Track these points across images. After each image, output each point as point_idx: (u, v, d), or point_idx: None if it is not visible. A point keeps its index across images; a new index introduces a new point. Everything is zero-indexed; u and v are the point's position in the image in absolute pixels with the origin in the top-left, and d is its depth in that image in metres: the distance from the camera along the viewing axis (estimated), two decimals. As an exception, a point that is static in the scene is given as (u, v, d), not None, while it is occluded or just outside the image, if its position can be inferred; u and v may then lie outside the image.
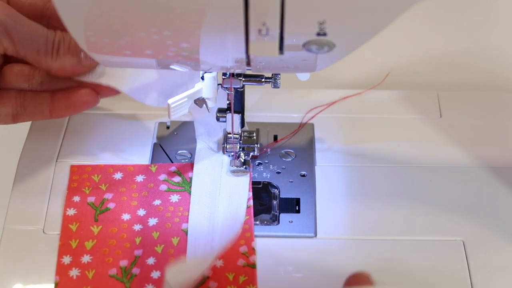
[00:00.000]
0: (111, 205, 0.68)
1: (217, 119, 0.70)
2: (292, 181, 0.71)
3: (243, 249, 0.65)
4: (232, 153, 0.71)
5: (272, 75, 0.67)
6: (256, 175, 0.72)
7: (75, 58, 0.65)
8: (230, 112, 0.69)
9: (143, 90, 0.70)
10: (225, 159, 0.72)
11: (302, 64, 0.57)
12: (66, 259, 0.64)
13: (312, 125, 0.76)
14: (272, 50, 0.53)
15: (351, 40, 0.53)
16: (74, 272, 0.63)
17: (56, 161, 0.72)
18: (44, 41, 0.64)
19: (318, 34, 0.51)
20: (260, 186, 0.71)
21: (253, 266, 0.64)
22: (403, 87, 0.82)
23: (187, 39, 0.54)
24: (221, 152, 0.72)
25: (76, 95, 0.67)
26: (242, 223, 0.66)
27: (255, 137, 0.73)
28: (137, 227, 0.67)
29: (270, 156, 0.74)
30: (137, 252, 0.65)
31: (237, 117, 0.69)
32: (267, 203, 0.71)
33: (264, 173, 0.72)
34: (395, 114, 0.77)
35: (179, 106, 0.66)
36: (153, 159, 0.73)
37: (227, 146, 0.71)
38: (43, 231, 0.67)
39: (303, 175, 0.72)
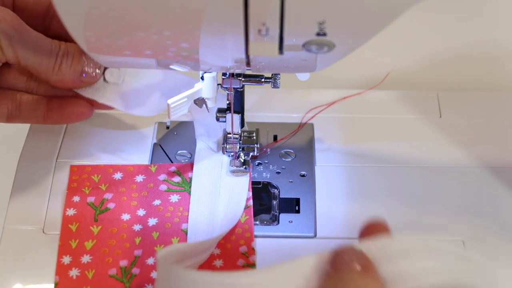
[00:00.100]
0: (111, 205, 0.68)
1: (217, 119, 0.70)
2: (292, 181, 0.71)
3: (243, 249, 0.65)
4: (232, 153, 0.71)
5: (272, 75, 0.67)
6: (256, 175, 0.72)
7: (76, 74, 0.65)
8: (230, 112, 0.69)
9: (137, 104, 0.70)
10: (225, 159, 0.72)
11: (302, 64, 0.57)
12: (66, 259, 0.64)
13: (312, 125, 0.76)
14: (271, 50, 0.53)
15: (351, 40, 0.53)
16: (74, 272, 0.63)
17: (56, 161, 0.72)
18: (48, 55, 0.64)
19: (318, 34, 0.51)
20: (260, 186, 0.71)
21: (253, 266, 0.64)
22: (403, 87, 0.82)
23: (187, 39, 0.53)
24: (220, 152, 0.72)
25: (71, 106, 0.68)
26: (239, 216, 0.66)
27: (254, 137, 0.73)
28: (137, 227, 0.67)
29: (270, 156, 0.74)
30: (137, 252, 0.65)
31: (236, 117, 0.69)
32: (267, 203, 0.71)
33: (264, 173, 0.72)
34: (395, 114, 0.77)
35: (178, 106, 0.66)
36: (153, 159, 0.73)
37: (227, 146, 0.71)
38: (43, 231, 0.67)
39: (303, 175, 0.72)
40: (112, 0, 0.50)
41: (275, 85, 0.67)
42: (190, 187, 0.70)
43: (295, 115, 0.77)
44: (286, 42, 0.52)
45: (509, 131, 0.76)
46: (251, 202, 0.69)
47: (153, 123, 0.76)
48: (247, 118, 0.72)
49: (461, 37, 0.92)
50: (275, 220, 0.69)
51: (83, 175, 0.71)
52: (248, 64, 0.58)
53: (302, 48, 0.53)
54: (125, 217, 0.67)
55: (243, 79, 0.67)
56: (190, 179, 0.70)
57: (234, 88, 0.67)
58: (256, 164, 0.73)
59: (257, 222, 0.68)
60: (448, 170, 0.72)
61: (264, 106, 0.78)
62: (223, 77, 0.66)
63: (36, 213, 0.68)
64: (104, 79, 0.69)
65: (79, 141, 0.74)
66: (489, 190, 0.70)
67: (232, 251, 0.65)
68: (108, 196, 0.69)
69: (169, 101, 0.66)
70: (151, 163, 0.73)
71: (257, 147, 0.72)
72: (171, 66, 0.59)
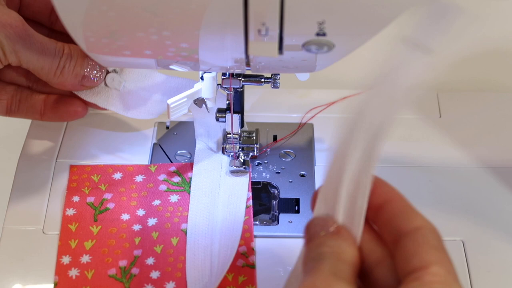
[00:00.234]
0: (111, 205, 0.68)
1: (217, 119, 0.70)
2: (291, 181, 0.71)
3: (243, 249, 0.65)
4: (232, 153, 0.71)
5: (272, 75, 0.67)
6: (255, 175, 0.72)
7: (77, 78, 0.66)
8: (230, 112, 0.69)
9: (137, 108, 0.71)
10: (225, 159, 0.72)
11: (302, 64, 0.57)
12: (66, 259, 0.64)
13: (312, 125, 0.76)
14: (271, 50, 0.53)
15: (351, 40, 0.53)
16: (73, 272, 0.63)
17: (56, 161, 0.72)
18: (50, 60, 0.64)
19: (318, 34, 0.51)
20: (259, 186, 0.71)
21: (252, 266, 0.64)
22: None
23: (186, 39, 0.53)
24: (220, 152, 0.72)
25: (65, 105, 0.69)
26: (241, 226, 0.66)
27: (254, 137, 0.73)
28: (136, 227, 0.67)
29: (269, 156, 0.74)
30: (137, 252, 0.65)
31: (236, 117, 0.69)
32: (266, 203, 0.71)
33: (264, 173, 0.72)
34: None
35: (178, 106, 0.66)
36: (153, 159, 0.73)
37: (227, 146, 0.71)
38: (43, 231, 0.67)
39: (303, 175, 0.72)
40: (111, 0, 0.50)
41: (275, 85, 0.67)
42: (189, 187, 0.70)
43: (295, 115, 0.77)
44: (285, 42, 0.52)
45: (509, 131, 0.76)
46: (250, 202, 0.69)
47: (153, 123, 0.76)
48: (246, 118, 0.72)
49: (461, 37, 0.92)
50: (274, 220, 0.69)
51: (82, 175, 0.71)
52: (247, 64, 0.58)
53: (301, 48, 0.53)
54: (125, 217, 0.67)
55: (242, 79, 0.67)
56: (190, 179, 0.70)
57: (233, 88, 0.67)
58: (256, 164, 0.73)
59: (257, 222, 0.68)
60: (448, 170, 0.72)
61: (264, 106, 0.78)
62: (222, 77, 0.66)
63: (35, 213, 0.68)
64: (105, 84, 0.69)
65: (79, 141, 0.74)
66: (489, 190, 0.70)
67: (232, 251, 0.65)
68: (108, 196, 0.69)
69: (169, 101, 0.66)
70: (150, 163, 0.73)
71: (256, 147, 0.72)
72: (170, 66, 0.59)
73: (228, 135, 0.71)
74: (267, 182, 0.71)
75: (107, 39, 0.54)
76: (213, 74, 0.66)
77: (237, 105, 0.69)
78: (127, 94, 0.71)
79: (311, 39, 0.52)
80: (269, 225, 0.68)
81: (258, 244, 0.66)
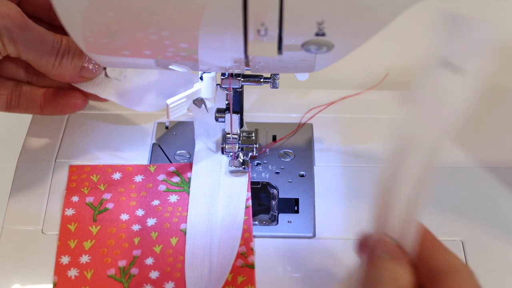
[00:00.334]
0: (110, 205, 0.68)
1: (216, 119, 0.70)
2: (291, 181, 0.71)
3: (242, 249, 0.65)
4: (231, 153, 0.71)
5: (271, 75, 0.67)
6: (255, 175, 0.72)
7: (75, 70, 0.66)
8: (229, 112, 0.69)
9: (138, 100, 0.70)
10: (224, 159, 0.72)
11: (301, 64, 0.57)
12: (65, 259, 0.64)
13: (311, 125, 0.76)
14: (271, 50, 0.53)
15: (350, 40, 0.53)
16: (72, 272, 0.63)
17: (55, 161, 0.72)
18: (49, 51, 0.64)
19: (317, 34, 0.51)
20: (259, 186, 0.71)
21: (251, 266, 0.64)
22: (402, 88, 0.82)
23: (186, 40, 0.53)
24: (220, 152, 0.72)
25: (65, 97, 0.68)
26: (241, 226, 0.66)
27: (254, 137, 0.73)
28: (135, 227, 0.67)
29: (269, 156, 0.74)
30: (136, 252, 0.65)
31: (236, 117, 0.69)
32: (266, 203, 0.71)
33: (263, 173, 0.72)
34: (394, 114, 0.77)
35: (178, 106, 0.66)
36: (152, 159, 0.73)
37: (226, 146, 0.71)
38: (42, 231, 0.67)
39: (302, 175, 0.72)
40: (110, 1, 0.50)
41: (274, 85, 0.67)
42: (189, 187, 0.70)
43: (294, 115, 0.77)
44: (285, 42, 0.52)
45: (509, 131, 0.76)
46: (250, 202, 0.69)
47: (152, 123, 0.76)
48: (246, 118, 0.72)
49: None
50: (274, 220, 0.69)
51: (82, 175, 0.71)
52: (247, 64, 0.58)
53: (301, 48, 0.53)
54: (124, 217, 0.67)
55: (242, 79, 0.66)
56: (189, 179, 0.70)
57: (233, 88, 0.67)
58: (255, 164, 0.73)
59: (256, 222, 0.68)
60: (447, 170, 0.72)
61: (263, 106, 0.78)
62: (222, 77, 0.66)
63: (35, 213, 0.68)
64: (106, 75, 0.69)
65: (78, 141, 0.74)
66: (489, 190, 0.70)
67: (231, 252, 0.65)
68: (107, 196, 0.69)
69: (168, 101, 0.66)
70: (150, 163, 0.73)
71: (256, 147, 0.72)
72: (170, 66, 0.59)
73: (228, 135, 0.71)
74: (267, 182, 0.71)
75: (106, 39, 0.54)
76: (213, 74, 0.66)
77: (236, 105, 0.69)
78: (128, 85, 0.70)
79: (311, 39, 0.52)
80: (269, 225, 0.68)
81: (257, 244, 0.66)
